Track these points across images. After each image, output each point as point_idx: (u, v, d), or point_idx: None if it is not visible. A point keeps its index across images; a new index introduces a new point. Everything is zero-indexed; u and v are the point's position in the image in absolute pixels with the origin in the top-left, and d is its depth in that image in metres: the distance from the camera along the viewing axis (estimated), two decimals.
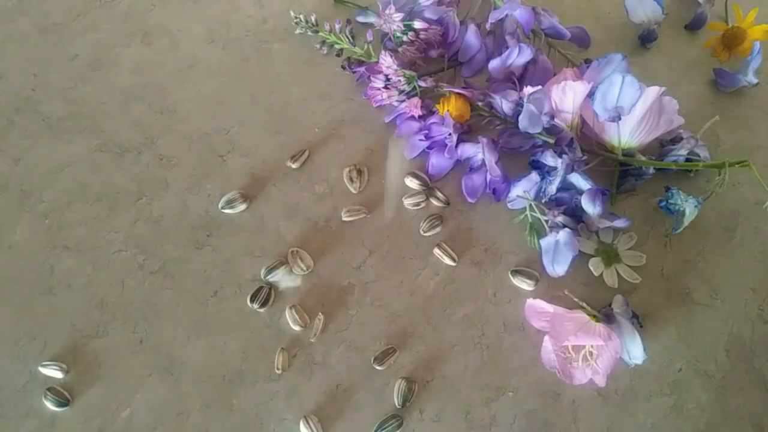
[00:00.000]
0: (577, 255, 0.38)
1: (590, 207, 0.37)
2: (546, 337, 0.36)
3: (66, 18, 0.46)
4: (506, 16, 0.42)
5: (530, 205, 0.39)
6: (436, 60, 0.44)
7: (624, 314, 0.36)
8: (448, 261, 0.39)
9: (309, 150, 0.42)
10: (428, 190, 0.41)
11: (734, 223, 0.40)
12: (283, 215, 0.41)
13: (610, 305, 0.37)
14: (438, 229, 0.40)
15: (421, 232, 0.40)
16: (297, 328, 0.38)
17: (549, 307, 0.35)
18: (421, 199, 0.41)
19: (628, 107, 0.36)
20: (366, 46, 0.43)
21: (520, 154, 0.41)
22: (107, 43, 0.46)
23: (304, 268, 0.39)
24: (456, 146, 0.40)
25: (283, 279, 0.39)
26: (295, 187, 0.42)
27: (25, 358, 0.37)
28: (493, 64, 0.41)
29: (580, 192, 0.38)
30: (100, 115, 0.44)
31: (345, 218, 0.40)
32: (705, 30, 0.46)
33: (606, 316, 0.37)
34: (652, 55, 0.45)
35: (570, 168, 0.38)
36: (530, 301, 0.36)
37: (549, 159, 0.38)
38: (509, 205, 0.40)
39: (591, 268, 0.38)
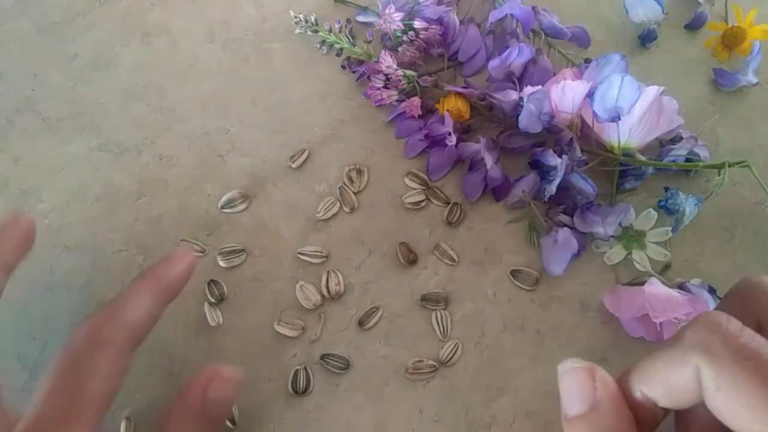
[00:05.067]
0: (575, 254, 0.38)
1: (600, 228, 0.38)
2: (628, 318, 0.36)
3: (66, 18, 0.46)
4: (506, 15, 0.42)
5: (530, 205, 0.39)
6: (436, 60, 0.44)
7: (701, 286, 0.37)
8: (447, 261, 0.39)
9: (309, 150, 0.42)
10: (428, 189, 0.41)
11: (734, 223, 0.40)
12: (283, 215, 0.41)
13: (682, 284, 0.37)
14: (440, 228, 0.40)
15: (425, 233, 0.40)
16: (298, 325, 0.38)
17: (636, 292, 0.36)
18: (421, 199, 0.41)
19: (628, 107, 0.36)
20: (366, 46, 0.43)
21: (520, 154, 0.41)
22: (107, 43, 0.46)
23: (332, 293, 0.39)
24: (456, 146, 0.40)
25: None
26: (295, 187, 0.42)
27: (24, 358, 0.37)
28: (493, 63, 0.41)
29: (580, 192, 0.38)
30: (99, 114, 0.44)
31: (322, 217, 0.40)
32: (705, 30, 0.46)
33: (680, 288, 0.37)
34: (652, 55, 0.45)
35: (570, 168, 0.38)
36: (614, 292, 0.37)
37: (549, 159, 0.38)
38: (509, 205, 0.41)
39: (606, 260, 0.39)
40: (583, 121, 0.39)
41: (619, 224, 0.39)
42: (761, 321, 0.24)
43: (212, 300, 0.38)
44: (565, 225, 0.38)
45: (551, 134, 0.40)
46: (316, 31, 0.44)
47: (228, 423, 0.35)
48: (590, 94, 0.37)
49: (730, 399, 0.20)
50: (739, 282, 0.26)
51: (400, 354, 0.37)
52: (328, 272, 0.39)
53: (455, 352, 0.37)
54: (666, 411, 0.24)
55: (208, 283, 0.39)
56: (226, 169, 0.42)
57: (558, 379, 0.25)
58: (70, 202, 0.41)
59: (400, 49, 0.43)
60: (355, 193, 0.41)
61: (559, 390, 0.24)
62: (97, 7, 0.47)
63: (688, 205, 0.38)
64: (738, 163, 0.36)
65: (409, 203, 0.41)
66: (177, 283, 0.32)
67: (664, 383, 0.22)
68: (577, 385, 0.24)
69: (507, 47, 0.41)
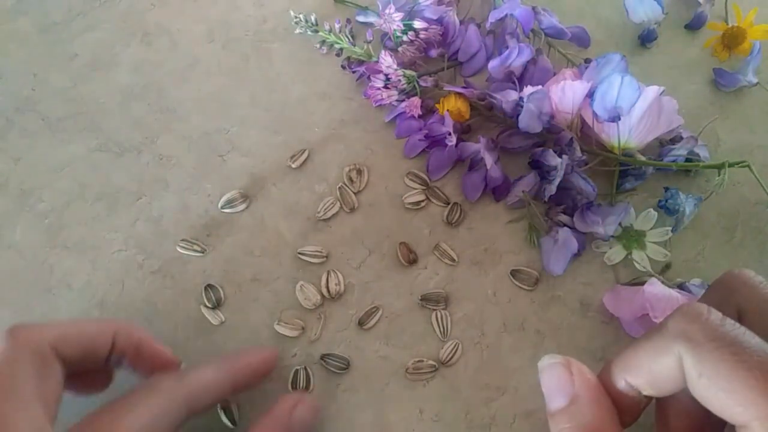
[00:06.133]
0: (575, 254, 0.38)
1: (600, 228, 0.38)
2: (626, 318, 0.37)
3: (66, 18, 0.46)
4: (506, 15, 0.42)
5: (530, 205, 0.39)
6: (436, 60, 0.44)
7: (701, 286, 0.37)
8: (447, 261, 0.39)
9: (309, 150, 0.42)
10: (428, 189, 0.41)
11: (734, 223, 0.40)
12: (283, 215, 0.41)
13: (682, 284, 0.37)
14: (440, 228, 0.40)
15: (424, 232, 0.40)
16: (298, 325, 0.38)
17: (636, 292, 0.35)
18: (421, 199, 0.41)
19: (627, 107, 0.36)
20: (366, 46, 0.43)
21: (520, 154, 0.41)
22: (107, 43, 0.46)
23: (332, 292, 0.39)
24: (456, 146, 0.40)
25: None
26: (295, 187, 0.42)
27: None
28: (493, 63, 0.41)
29: (580, 192, 0.38)
30: (99, 114, 0.44)
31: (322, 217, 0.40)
32: (705, 30, 0.46)
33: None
34: (652, 55, 0.45)
35: (570, 168, 0.38)
36: (614, 291, 0.37)
37: (549, 159, 0.38)
38: (509, 205, 0.41)
39: (606, 260, 0.39)
40: (583, 121, 0.39)
41: (619, 224, 0.39)
42: (742, 310, 0.25)
43: (208, 305, 0.38)
44: (565, 225, 0.38)
45: (551, 134, 0.40)
46: (316, 31, 0.44)
47: (228, 423, 0.35)
48: (590, 94, 0.37)
49: (713, 385, 0.21)
50: (722, 274, 0.27)
51: (400, 354, 0.37)
52: (328, 272, 0.39)
53: (455, 352, 0.37)
54: (648, 399, 0.24)
55: (205, 288, 0.39)
56: (226, 169, 0.42)
57: (539, 377, 0.25)
58: (70, 202, 0.41)
59: (400, 49, 0.43)
60: (355, 193, 0.41)
61: (541, 387, 0.25)
62: (97, 7, 0.47)
63: (688, 205, 0.38)
64: (738, 163, 0.36)
65: (409, 203, 0.41)
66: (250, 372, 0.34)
67: (647, 372, 0.23)
68: (556, 380, 0.24)
69: (507, 47, 0.41)
